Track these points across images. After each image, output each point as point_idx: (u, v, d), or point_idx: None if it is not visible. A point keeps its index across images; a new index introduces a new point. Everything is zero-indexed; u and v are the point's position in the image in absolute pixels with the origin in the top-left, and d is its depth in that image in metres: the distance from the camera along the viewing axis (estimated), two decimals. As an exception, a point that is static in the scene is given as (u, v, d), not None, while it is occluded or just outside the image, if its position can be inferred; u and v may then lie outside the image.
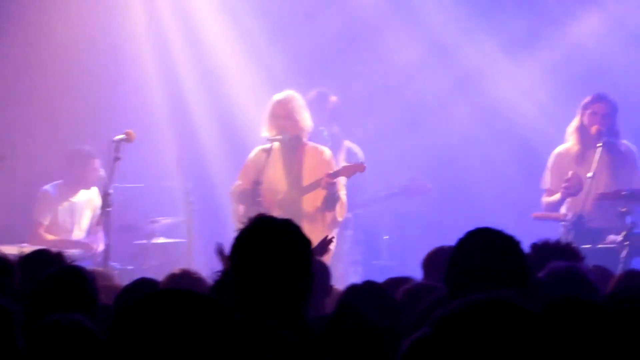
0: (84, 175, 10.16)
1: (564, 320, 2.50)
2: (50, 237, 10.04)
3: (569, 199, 9.15)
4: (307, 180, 9.16)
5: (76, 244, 10.03)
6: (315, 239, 8.86)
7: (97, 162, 10.09)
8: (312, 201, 9.13)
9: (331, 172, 9.08)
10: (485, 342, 2.51)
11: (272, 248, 3.46)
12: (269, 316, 3.32)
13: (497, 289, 3.60)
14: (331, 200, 9.08)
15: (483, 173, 11.41)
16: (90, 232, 10.15)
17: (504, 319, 2.55)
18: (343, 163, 9.73)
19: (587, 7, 11.32)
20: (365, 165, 9.24)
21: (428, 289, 4.73)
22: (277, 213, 8.51)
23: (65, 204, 10.21)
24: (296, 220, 3.93)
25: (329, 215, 9.17)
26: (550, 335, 2.49)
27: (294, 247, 3.50)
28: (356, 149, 10.48)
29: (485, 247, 3.99)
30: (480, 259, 3.94)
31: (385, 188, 10.98)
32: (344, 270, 10.08)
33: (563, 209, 9.25)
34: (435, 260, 5.58)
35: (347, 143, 10.50)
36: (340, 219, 9.27)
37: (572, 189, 9.03)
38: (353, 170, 9.14)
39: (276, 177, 9.20)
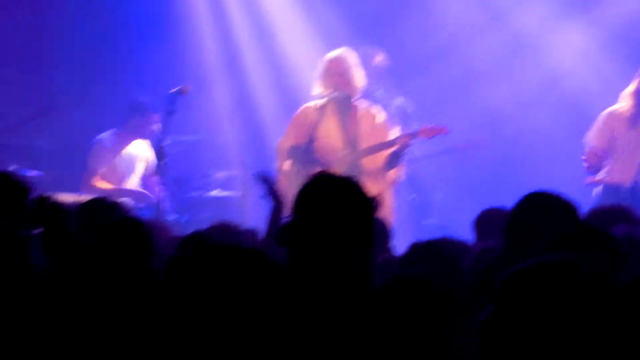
0: (141, 126, 10.22)
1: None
2: (105, 185, 10.11)
3: (618, 163, 9.12)
4: (363, 141, 9.06)
5: (131, 192, 10.10)
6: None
7: (156, 115, 10.15)
8: (372, 160, 9.03)
9: (410, 133, 9.01)
10: (552, 305, 2.55)
11: (334, 206, 3.47)
12: (329, 275, 3.36)
13: (554, 251, 3.62)
14: (396, 160, 9.02)
15: (536, 137, 11.37)
16: (144, 183, 10.23)
17: (568, 280, 2.59)
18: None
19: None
20: (448, 129, 9.09)
21: (483, 250, 4.75)
22: (338, 171, 8.39)
23: (121, 153, 10.29)
24: (357, 179, 3.93)
25: (390, 174, 9.12)
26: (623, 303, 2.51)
27: (357, 206, 3.51)
28: (406, 104, 10.37)
29: (542, 210, 4.01)
30: (538, 222, 3.96)
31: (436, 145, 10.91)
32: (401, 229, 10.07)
33: (603, 171, 9.19)
34: (487, 221, 5.60)
35: (398, 101, 10.43)
36: (400, 177, 9.22)
37: (592, 167, 9.05)
38: (434, 132, 9.02)
39: (332, 135, 9.09)
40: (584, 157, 9.20)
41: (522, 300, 2.61)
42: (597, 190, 9.14)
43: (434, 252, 4.34)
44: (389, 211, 8.81)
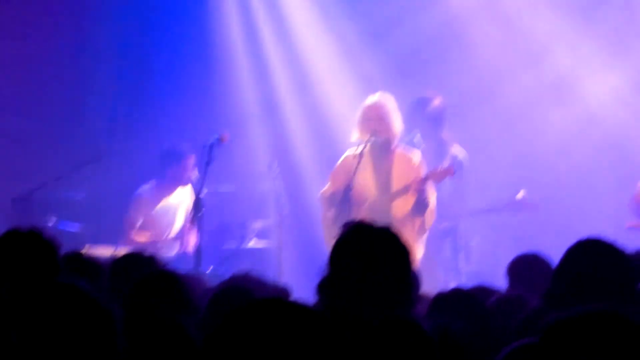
0: (179, 173, 10.22)
1: None
2: (143, 238, 10.12)
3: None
4: (396, 185, 9.14)
5: (168, 245, 10.09)
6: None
7: (192, 159, 10.14)
8: (401, 206, 9.10)
9: (421, 178, 9.04)
10: (595, 354, 2.47)
11: (371, 255, 3.42)
12: (368, 323, 3.31)
13: (601, 301, 3.52)
14: (420, 206, 9.04)
15: (577, 181, 11.22)
16: (183, 232, 10.21)
17: (616, 331, 2.51)
18: None
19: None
20: (454, 170, 9.16)
21: (517, 299, 4.65)
22: (366, 218, 8.43)
23: (160, 204, 10.29)
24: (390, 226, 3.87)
25: (417, 221, 9.12)
26: None
27: (393, 255, 3.46)
28: (461, 154, 10.29)
29: (596, 258, 3.89)
30: (589, 270, 3.85)
31: (489, 200, 10.71)
32: (444, 278, 9.95)
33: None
34: (521, 267, 5.51)
35: (456, 149, 10.31)
36: (428, 225, 9.20)
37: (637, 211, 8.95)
38: (442, 175, 9.07)
39: (366, 182, 9.18)
40: (630, 202, 9.10)
41: (566, 349, 2.53)
42: None
43: (459, 300, 4.27)
44: (414, 259, 8.76)
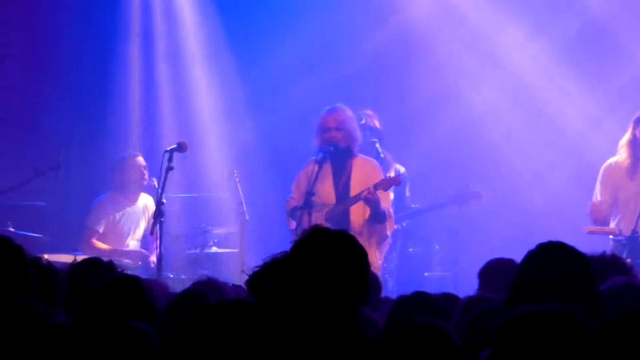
0: (126, 180, 10.24)
1: (629, 337, 2.51)
2: (103, 246, 10.10)
3: (620, 214, 9.11)
4: (354, 192, 9.18)
5: (129, 253, 10.10)
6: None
7: (138, 162, 10.15)
8: (360, 213, 9.15)
9: (372, 186, 9.10)
10: (543, 353, 2.52)
11: (327, 260, 3.47)
12: (321, 326, 3.35)
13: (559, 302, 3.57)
14: (378, 214, 9.10)
15: (534, 184, 11.33)
16: (144, 240, 10.21)
17: (566, 330, 2.56)
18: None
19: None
20: (400, 178, 9.32)
21: (484, 300, 4.69)
22: (326, 224, 8.51)
23: (120, 212, 10.29)
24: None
25: (376, 228, 9.17)
26: (612, 352, 2.50)
27: (349, 259, 3.52)
28: (402, 168, 10.49)
29: (556, 262, 3.91)
30: (551, 273, 3.87)
31: (434, 199, 10.95)
32: (393, 282, 10.13)
33: (613, 224, 9.18)
34: (493, 271, 5.54)
35: (396, 164, 10.53)
36: (389, 232, 9.28)
37: (597, 221, 9.05)
38: (389, 183, 9.15)
39: (326, 190, 9.24)
40: (589, 211, 9.19)
41: (517, 347, 2.57)
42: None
43: (420, 305, 4.30)
44: (375, 265, 8.93)
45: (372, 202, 9.01)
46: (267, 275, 4.26)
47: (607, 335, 2.56)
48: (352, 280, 3.48)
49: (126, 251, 10.13)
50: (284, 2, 11.90)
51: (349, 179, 9.25)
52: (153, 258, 9.71)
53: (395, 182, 9.16)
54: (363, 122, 10.27)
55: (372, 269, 8.51)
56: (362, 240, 8.59)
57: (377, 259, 9.07)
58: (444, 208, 10.91)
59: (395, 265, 10.50)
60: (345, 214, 9.17)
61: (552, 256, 3.94)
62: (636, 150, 9.14)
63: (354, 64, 11.69)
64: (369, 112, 10.58)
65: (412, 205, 10.79)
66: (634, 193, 8.99)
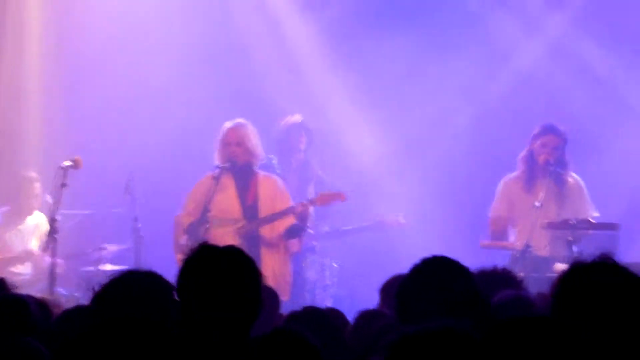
0: (25, 201, 10.17)
1: (506, 344, 2.59)
2: (-5, 258, 9.99)
3: (517, 228, 9.27)
4: (264, 209, 9.15)
5: (18, 258, 10.01)
6: (274, 267, 8.99)
7: (37, 187, 10.05)
8: (270, 229, 9.13)
9: (307, 200, 9.16)
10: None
11: (217, 278, 3.50)
12: (211, 342, 3.34)
13: (446, 317, 3.61)
14: (298, 229, 9.11)
15: (431, 198, 11.38)
16: (36, 256, 10.08)
17: (453, 347, 2.58)
18: (312, 193, 9.80)
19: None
20: (345, 195, 9.26)
21: (380, 315, 4.71)
22: (235, 241, 8.47)
23: (13, 231, 10.18)
24: (256, 248, 3.89)
25: (289, 244, 9.19)
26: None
27: (240, 276, 3.54)
28: (327, 178, 10.44)
29: (439, 276, 3.98)
30: (434, 287, 3.94)
31: (353, 220, 10.88)
32: (313, 297, 10.07)
33: (511, 238, 9.34)
34: (393, 288, 5.55)
35: (320, 172, 10.49)
36: (299, 248, 9.32)
37: (496, 234, 9.21)
38: (331, 198, 9.16)
39: (229, 205, 9.18)
40: (488, 224, 9.34)
41: None
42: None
43: (312, 319, 4.32)
44: (286, 280, 8.89)
45: (302, 218, 9.01)
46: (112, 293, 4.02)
47: (484, 346, 2.61)
48: (242, 296, 3.49)
49: (13, 257, 10.02)
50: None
51: (256, 196, 9.20)
52: (45, 273, 9.55)
53: (340, 198, 9.14)
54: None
55: (284, 282, 8.63)
56: (278, 255, 8.73)
57: (289, 273, 9.11)
58: (364, 232, 10.84)
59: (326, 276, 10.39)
60: (257, 230, 9.12)
61: (434, 270, 4.00)
62: (532, 166, 9.34)
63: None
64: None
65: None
66: (529, 207, 9.14)
